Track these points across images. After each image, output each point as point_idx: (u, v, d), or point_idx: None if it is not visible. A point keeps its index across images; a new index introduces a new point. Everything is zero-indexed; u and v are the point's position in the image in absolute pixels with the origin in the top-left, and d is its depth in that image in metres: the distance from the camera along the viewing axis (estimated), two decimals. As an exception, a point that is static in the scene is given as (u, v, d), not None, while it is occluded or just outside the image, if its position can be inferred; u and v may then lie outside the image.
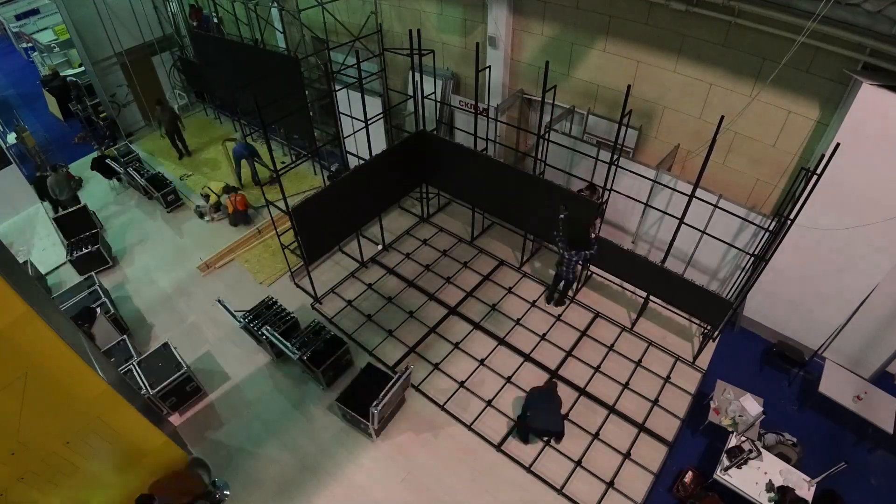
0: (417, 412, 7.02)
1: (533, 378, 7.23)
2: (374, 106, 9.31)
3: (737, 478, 5.71)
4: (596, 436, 6.59)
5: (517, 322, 8.00)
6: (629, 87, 6.32)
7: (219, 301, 7.49)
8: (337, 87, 9.50)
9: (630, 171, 7.19)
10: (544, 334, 7.81)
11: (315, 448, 6.71)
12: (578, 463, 6.33)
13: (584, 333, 7.80)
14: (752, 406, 6.29)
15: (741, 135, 6.89)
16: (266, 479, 6.46)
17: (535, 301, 8.30)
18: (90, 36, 11.67)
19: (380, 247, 9.21)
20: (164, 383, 6.78)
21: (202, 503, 5.87)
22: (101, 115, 12.84)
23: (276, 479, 6.45)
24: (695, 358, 7.36)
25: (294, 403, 7.22)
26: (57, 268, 9.59)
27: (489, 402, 6.98)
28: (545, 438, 6.50)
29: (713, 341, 7.41)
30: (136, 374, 6.87)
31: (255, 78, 10.12)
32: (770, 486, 5.61)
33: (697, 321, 7.63)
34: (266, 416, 7.09)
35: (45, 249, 9.96)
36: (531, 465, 6.32)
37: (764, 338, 7.65)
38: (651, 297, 7.56)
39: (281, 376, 7.56)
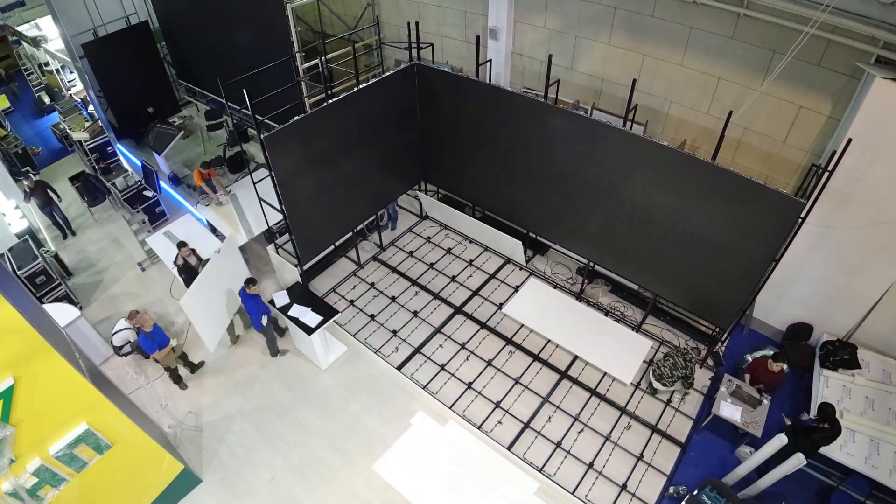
0: (422, 415, 6.87)
1: (543, 379, 7.10)
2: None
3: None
4: (607, 438, 6.50)
5: (524, 322, 7.87)
6: (634, 81, 6.17)
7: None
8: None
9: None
10: (550, 333, 7.68)
11: (309, 454, 6.54)
12: (590, 466, 6.23)
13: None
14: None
15: (750, 131, 6.76)
16: (259, 485, 6.30)
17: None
18: (74, 26, 11.28)
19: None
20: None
21: None
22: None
23: (268, 485, 6.30)
24: (703, 361, 7.25)
25: (289, 407, 7.06)
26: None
27: (497, 404, 6.86)
28: None
29: (722, 344, 7.30)
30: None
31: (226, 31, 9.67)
32: None
33: (706, 323, 7.51)
34: (259, 421, 6.92)
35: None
36: (542, 468, 6.21)
37: (775, 341, 7.58)
38: (658, 299, 7.45)
39: (274, 380, 7.39)
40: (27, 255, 8.13)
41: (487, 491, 6.15)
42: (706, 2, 6.25)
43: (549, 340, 7.60)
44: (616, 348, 7.29)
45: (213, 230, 9.17)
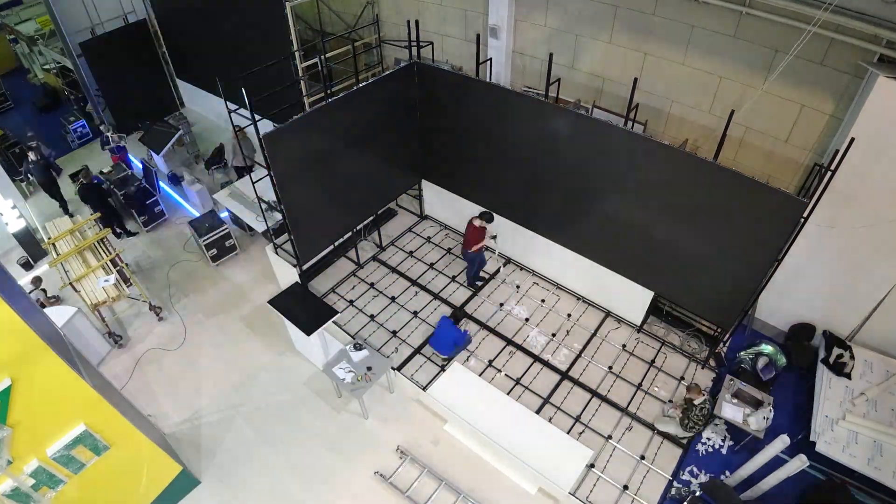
0: (421, 416, 6.83)
1: (543, 380, 7.08)
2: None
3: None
4: (608, 439, 6.47)
5: (526, 321, 7.83)
6: (636, 80, 6.13)
7: None
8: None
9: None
10: (554, 334, 7.63)
11: (310, 456, 6.51)
12: (591, 466, 6.20)
13: (594, 334, 7.65)
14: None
15: (753, 130, 6.74)
16: (258, 486, 6.27)
17: (543, 300, 8.12)
18: (73, 24, 11.23)
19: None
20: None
21: None
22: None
23: (268, 487, 6.26)
24: (705, 361, 7.23)
25: (288, 408, 7.02)
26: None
27: (496, 405, 6.80)
28: None
29: (724, 344, 7.26)
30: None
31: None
32: None
33: (707, 323, 7.47)
34: (258, 422, 6.89)
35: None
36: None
37: (777, 341, 7.51)
38: (660, 298, 7.41)
39: (273, 381, 7.34)
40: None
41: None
42: (708, 0, 6.22)
43: (549, 340, 7.57)
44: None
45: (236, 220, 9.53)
